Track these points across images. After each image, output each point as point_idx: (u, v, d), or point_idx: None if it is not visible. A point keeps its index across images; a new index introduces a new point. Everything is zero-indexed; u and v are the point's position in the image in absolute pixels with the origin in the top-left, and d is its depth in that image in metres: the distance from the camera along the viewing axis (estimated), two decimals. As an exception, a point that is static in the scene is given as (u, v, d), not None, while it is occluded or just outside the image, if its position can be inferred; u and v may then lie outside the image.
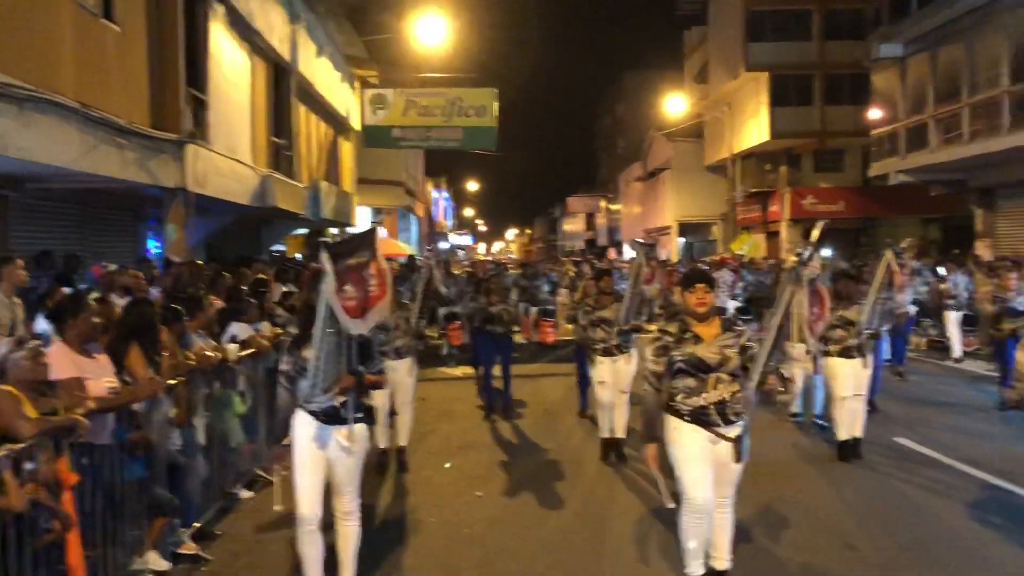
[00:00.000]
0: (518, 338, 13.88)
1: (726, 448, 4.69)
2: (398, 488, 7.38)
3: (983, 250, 21.64)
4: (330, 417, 4.72)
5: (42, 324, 6.51)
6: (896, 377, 12.05)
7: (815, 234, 4.86)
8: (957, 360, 13.94)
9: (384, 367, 4.81)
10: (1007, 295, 10.07)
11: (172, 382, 5.62)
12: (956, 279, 14.21)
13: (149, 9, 11.12)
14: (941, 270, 14.74)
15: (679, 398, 4.75)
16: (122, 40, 10.20)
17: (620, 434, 8.18)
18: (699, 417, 4.71)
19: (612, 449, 8.15)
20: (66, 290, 7.19)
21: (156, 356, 5.56)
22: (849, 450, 7.90)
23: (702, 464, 4.68)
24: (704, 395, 4.68)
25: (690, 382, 4.72)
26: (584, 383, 10.11)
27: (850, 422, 7.90)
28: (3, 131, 7.25)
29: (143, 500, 5.20)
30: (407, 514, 6.69)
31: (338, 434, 4.71)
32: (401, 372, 7.98)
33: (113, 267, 8.41)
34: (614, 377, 8.04)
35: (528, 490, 7.27)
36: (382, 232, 32.91)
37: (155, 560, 5.28)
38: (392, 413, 7.99)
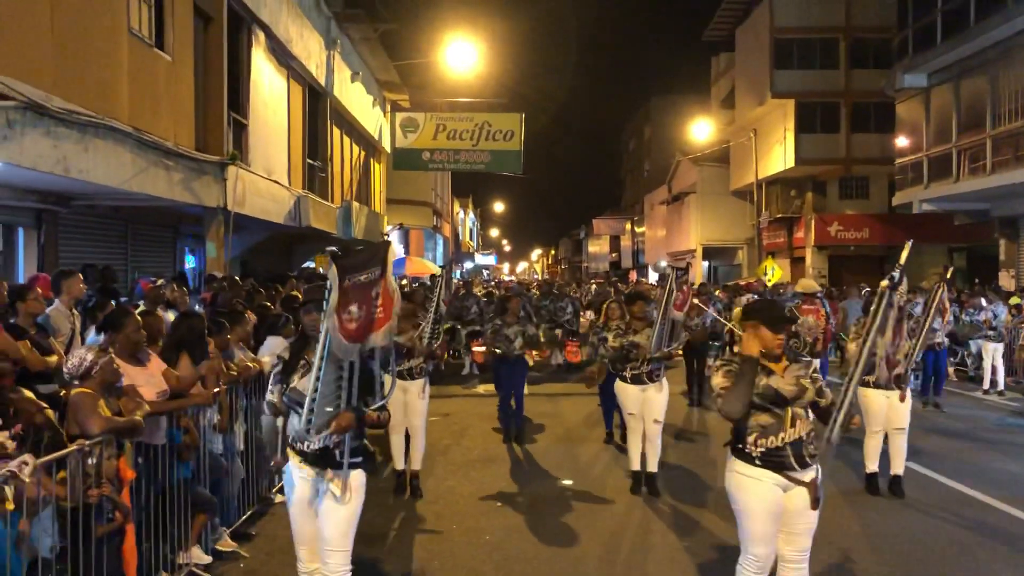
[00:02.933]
0: (533, 358, 14.06)
1: (801, 494, 4.27)
2: (424, 497, 7.73)
3: (1006, 280, 21.78)
4: (322, 459, 4.21)
5: (93, 335, 7.04)
6: (934, 408, 12.09)
7: (903, 255, 4.39)
8: (1000, 393, 13.70)
9: (387, 404, 4.26)
10: None
11: (216, 390, 6.06)
12: (996, 310, 14.20)
13: (196, 38, 11.75)
14: (983, 301, 14.63)
15: (751, 439, 4.29)
16: (172, 68, 10.81)
17: (652, 468, 7.84)
18: (773, 461, 4.26)
19: (643, 483, 7.82)
20: (112, 303, 7.68)
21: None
22: (876, 483, 7.73)
23: (771, 518, 4.27)
24: (782, 434, 4.24)
25: (765, 419, 4.27)
26: (608, 406, 10.13)
27: (878, 455, 7.73)
28: (66, 154, 7.80)
29: (188, 498, 5.63)
30: (432, 521, 7.06)
31: (329, 480, 4.20)
32: (413, 393, 7.77)
33: (161, 282, 8.89)
34: (644, 407, 7.70)
35: (547, 502, 7.60)
36: (398, 248, 33.52)
37: (198, 555, 5.71)
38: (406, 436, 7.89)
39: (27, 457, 3.74)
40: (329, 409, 3.98)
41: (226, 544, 6.11)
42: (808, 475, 4.28)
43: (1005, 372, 14.01)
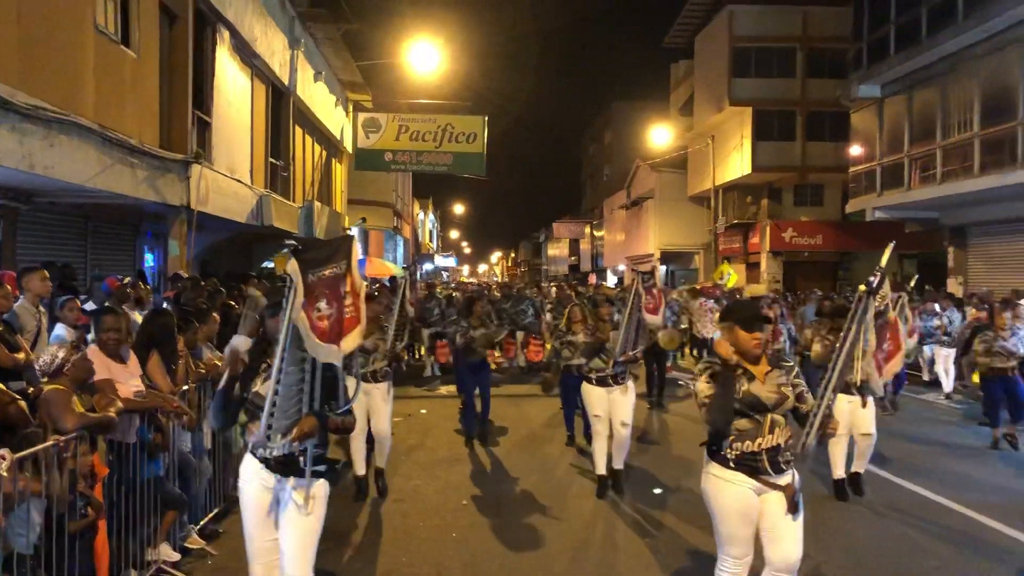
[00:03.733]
0: (495, 361, 14.07)
1: (776, 498, 4.23)
2: (390, 496, 7.81)
3: (954, 287, 22.40)
4: (284, 467, 3.97)
5: (59, 331, 7.01)
6: (891, 409, 12.29)
7: (884, 258, 4.26)
8: (947, 396, 13.98)
9: (352, 408, 4.07)
10: (1000, 334, 10.10)
11: (185, 388, 6.09)
12: (951, 315, 14.41)
13: (162, 36, 11.70)
14: (936, 307, 14.82)
15: (727, 443, 4.24)
16: (137, 65, 10.75)
17: (618, 465, 7.90)
18: (747, 464, 4.22)
19: (609, 486, 7.84)
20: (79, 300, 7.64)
21: (173, 364, 6.05)
22: (844, 488, 7.72)
23: (744, 520, 4.24)
24: (759, 439, 4.18)
25: (743, 424, 4.21)
26: (569, 411, 10.19)
27: (843, 461, 7.74)
28: (31, 151, 7.75)
29: (158, 496, 5.65)
30: (397, 519, 7.15)
31: (292, 488, 3.97)
32: (377, 396, 7.73)
33: (128, 280, 8.84)
34: (611, 409, 7.70)
35: (513, 502, 7.72)
36: (357, 248, 33.41)
37: (167, 551, 5.75)
38: (369, 439, 7.86)
39: (4, 451, 3.77)
40: (291, 413, 3.79)
41: (194, 541, 6.14)
42: (784, 480, 4.23)
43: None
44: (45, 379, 4.75)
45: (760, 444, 4.18)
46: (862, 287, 4.10)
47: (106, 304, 6.38)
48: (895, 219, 24.71)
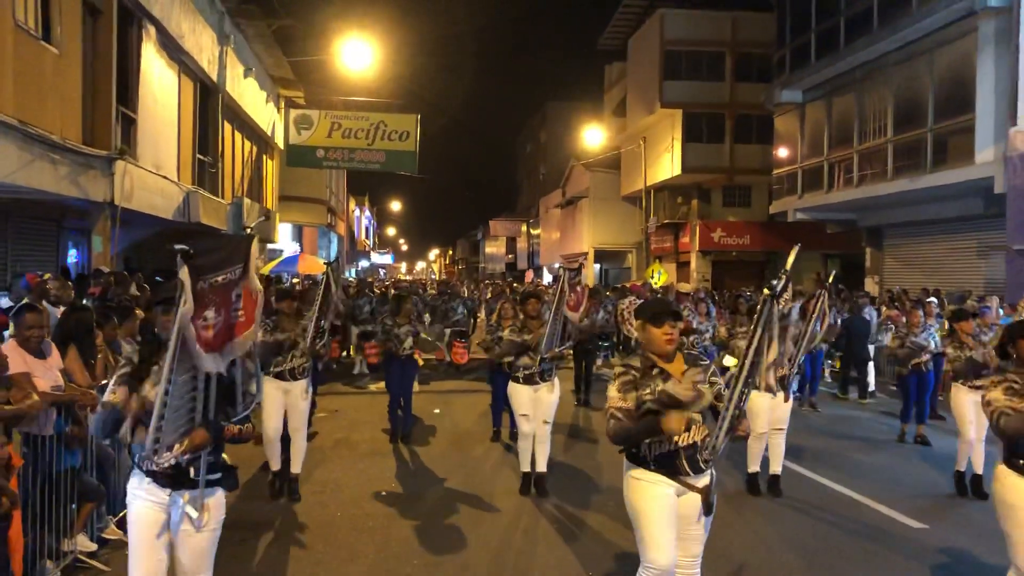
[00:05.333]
0: (426, 356, 14.11)
1: (693, 500, 4.18)
2: (308, 488, 7.94)
3: (871, 286, 23.31)
4: (174, 480, 3.69)
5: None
6: (810, 408, 12.73)
7: (790, 260, 4.17)
8: (871, 394, 14.18)
9: (251, 414, 3.86)
10: (912, 330, 10.52)
11: (104, 383, 6.20)
12: (869, 313, 14.82)
13: (85, 31, 11.64)
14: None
15: (645, 443, 4.17)
16: (59, 61, 10.71)
17: (541, 468, 7.86)
18: (666, 465, 4.14)
19: (533, 483, 7.88)
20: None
21: (91, 359, 6.16)
22: (757, 483, 7.91)
23: (667, 522, 4.13)
24: (676, 438, 4.10)
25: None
26: (498, 408, 10.33)
27: (761, 456, 7.92)
28: (-52, 147, 7.73)
29: (74, 487, 5.77)
30: (316, 509, 7.33)
31: (184, 502, 3.70)
32: (295, 394, 7.56)
33: (48, 276, 8.83)
34: (536, 407, 7.72)
35: (433, 496, 7.90)
36: (292, 245, 33.23)
37: (83, 542, 5.87)
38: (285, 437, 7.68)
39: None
40: (180, 424, 3.52)
41: (112, 532, 6.26)
42: (702, 481, 4.18)
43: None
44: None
45: (677, 443, 4.09)
46: (766, 290, 3.99)
47: (25, 301, 6.44)
48: (816, 220, 25.58)
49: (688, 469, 4.14)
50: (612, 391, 4.20)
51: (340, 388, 14.39)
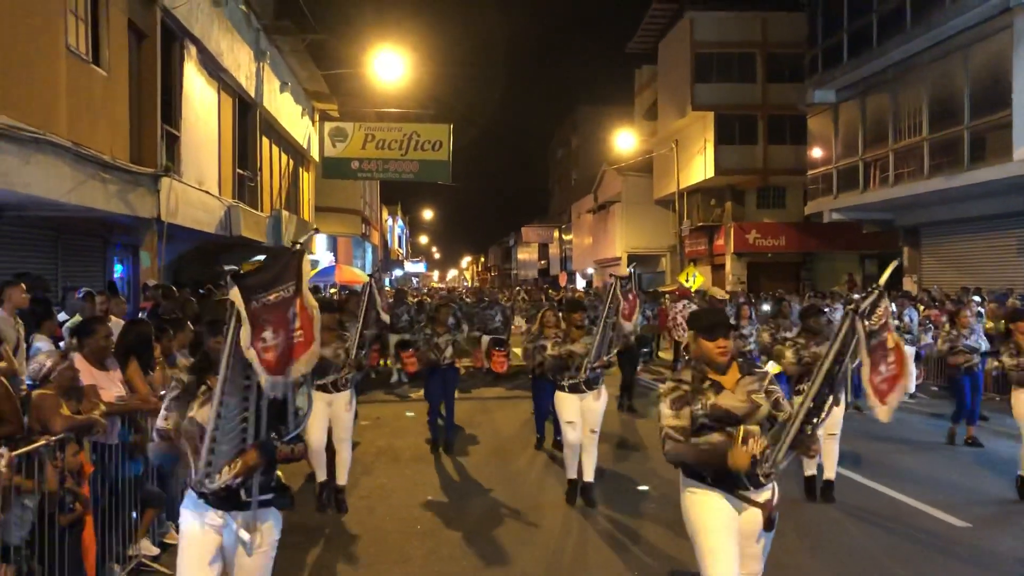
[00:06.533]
0: (465, 364, 14.06)
1: (754, 516, 3.99)
2: (356, 494, 8.13)
3: (910, 285, 23.12)
4: (226, 501, 3.60)
5: (38, 343, 7.32)
6: (855, 411, 12.16)
7: (885, 276, 3.93)
8: (912, 395, 13.85)
9: (303, 433, 3.79)
10: (962, 332, 10.44)
11: (163, 393, 6.44)
12: (910, 314, 14.64)
13: (131, 53, 12.02)
14: (892, 306, 15.14)
15: None
16: (108, 83, 11.08)
17: (588, 478, 7.72)
18: (725, 479, 3.95)
19: (579, 492, 7.77)
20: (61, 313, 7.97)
21: (150, 371, 6.40)
22: (814, 488, 7.80)
23: (729, 535, 3.95)
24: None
25: (716, 438, 3.96)
26: (541, 416, 10.32)
27: (825, 462, 7.75)
28: (8, 169, 8.08)
29: (138, 494, 6.00)
30: (364, 514, 7.52)
31: (237, 526, 3.62)
32: (339, 406, 7.57)
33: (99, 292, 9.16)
34: (583, 416, 7.60)
35: (478, 497, 8.08)
36: (327, 256, 33.53)
37: (147, 547, 6.10)
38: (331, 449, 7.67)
39: (2, 450, 4.12)
40: (233, 446, 3.47)
41: (173, 537, 6.47)
42: (763, 495, 3.98)
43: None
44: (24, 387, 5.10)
45: None
46: (849, 307, 3.75)
47: (95, 315, 6.72)
48: (852, 220, 25.42)
49: (747, 483, 3.94)
50: (664, 408, 4.06)
51: (380, 396, 14.58)
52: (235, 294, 3.26)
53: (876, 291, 3.80)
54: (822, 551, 6.46)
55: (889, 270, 4.05)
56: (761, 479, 3.95)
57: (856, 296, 6.22)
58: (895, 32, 20.50)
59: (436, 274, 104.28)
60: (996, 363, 8.65)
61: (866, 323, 3.79)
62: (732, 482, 3.94)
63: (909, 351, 13.83)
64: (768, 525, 3.98)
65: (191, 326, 8.49)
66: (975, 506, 7.66)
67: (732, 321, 4.56)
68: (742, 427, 3.91)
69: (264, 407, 3.49)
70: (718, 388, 3.99)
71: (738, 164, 32.86)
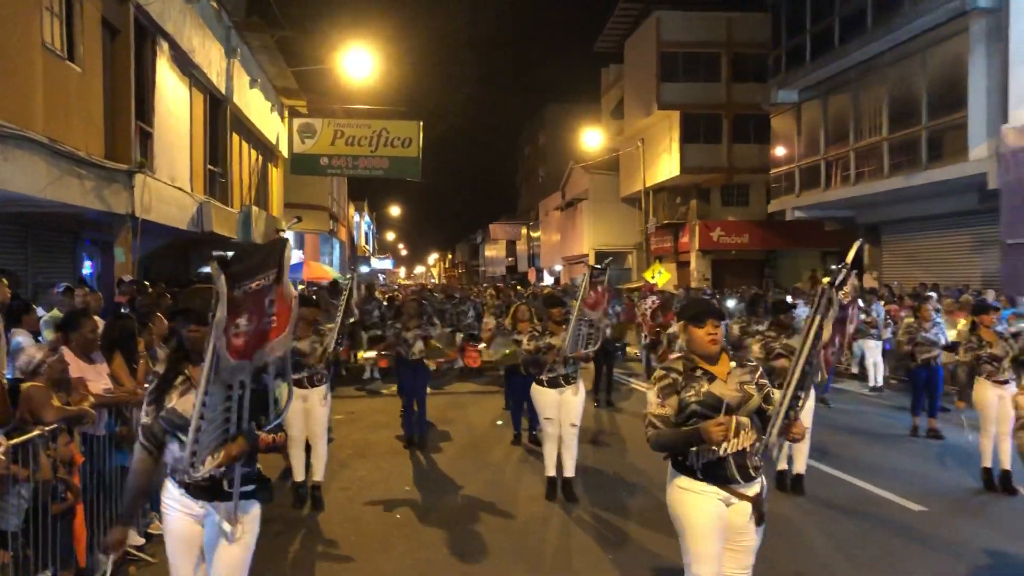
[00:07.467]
0: (437, 360, 14.19)
1: (743, 509, 3.98)
2: (335, 485, 8.29)
3: (870, 281, 23.64)
4: (208, 491, 3.62)
5: (18, 338, 7.39)
6: (820, 403, 12.39)
7: (851, 255, 3.99)
8: (876, 389, 14.49)
9: (284, 421, 3.75)
10: (923, 325, 10.67)
11: (147, 385, 6.57)
12: (877, 309, 14.94)
13: (104, 50, 12.02)
14: (859, 302, 15.44)
15: (692, 451, 3.97)
16: (82, 79, 11.10)
17: (569, 473, 7.69)
18: (714, 473, 3.95)
19: (559, 488, 7.75)
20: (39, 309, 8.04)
21: (134, 364, 6.53)
22: (787, 481, 7.90)
23: (715, 535, 3.95)
24: (724, 444, 3.89)
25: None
26: (517, 409, 10.41)
27: (796, 457, 7.88)
28: (-12, 166, 8.12)
29: (124, 485, 6.13)
30: (345, 505, 7.69)
31: (219, 515, 3.63)
32: (313, 401, 7.56)
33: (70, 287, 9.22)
34: (561, 410, 7.57)
35: (456, 490, 8.24)
36: (294, 252, 33.46)
37: (133, 536, 6.21)
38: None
39: (0, 438, 4.26)
40: (216, 436, 3.44)
41: (157, 527, 6.60)
42: (752, 489, 3.99)
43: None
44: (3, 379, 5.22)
45: (726, 449, 3.91)
46: (825, 279, 3.81)
47: (78, 309, 6.82)
48: (814, 218, 25.94)
49: (738, 477, 3.94)
50: (651, 396, 4.07)
51: (352, 392, 14.68)
52: (221, 283, 3.15)
53: (844, 268, 3.87)
54: (791, 537, 6.65)
55: (854, 249, 4.14)
56: (751, 472, 3.97)
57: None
58: (856, 34, 21.00)
59: (403, 271, 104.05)
60: (955, 357, 8.96)
61: (836, 296, 3.85)
62: (722, 476, 3.93)
63: (875, 345, 14.58)
64: (759, 519, 4.00)
65: (163, 318, 8.59)
66: (933, 494, 7.96)
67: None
68: (734, 418, 3.91)
69: (247, 397, 3.45)
70: (711, 378, 4.00)
71: (703, 163, 33.33)
